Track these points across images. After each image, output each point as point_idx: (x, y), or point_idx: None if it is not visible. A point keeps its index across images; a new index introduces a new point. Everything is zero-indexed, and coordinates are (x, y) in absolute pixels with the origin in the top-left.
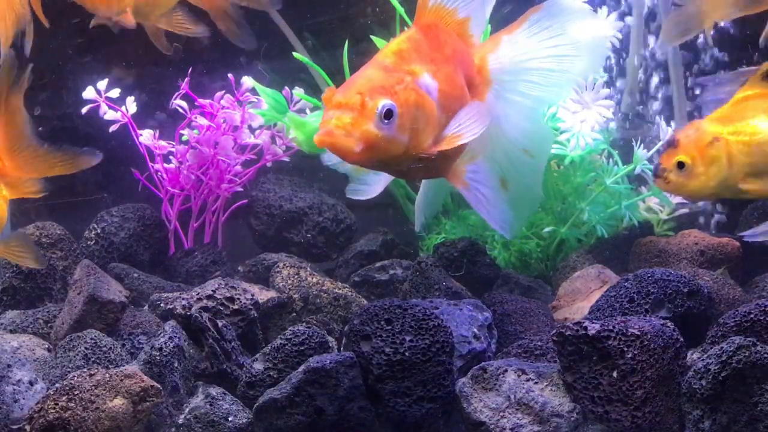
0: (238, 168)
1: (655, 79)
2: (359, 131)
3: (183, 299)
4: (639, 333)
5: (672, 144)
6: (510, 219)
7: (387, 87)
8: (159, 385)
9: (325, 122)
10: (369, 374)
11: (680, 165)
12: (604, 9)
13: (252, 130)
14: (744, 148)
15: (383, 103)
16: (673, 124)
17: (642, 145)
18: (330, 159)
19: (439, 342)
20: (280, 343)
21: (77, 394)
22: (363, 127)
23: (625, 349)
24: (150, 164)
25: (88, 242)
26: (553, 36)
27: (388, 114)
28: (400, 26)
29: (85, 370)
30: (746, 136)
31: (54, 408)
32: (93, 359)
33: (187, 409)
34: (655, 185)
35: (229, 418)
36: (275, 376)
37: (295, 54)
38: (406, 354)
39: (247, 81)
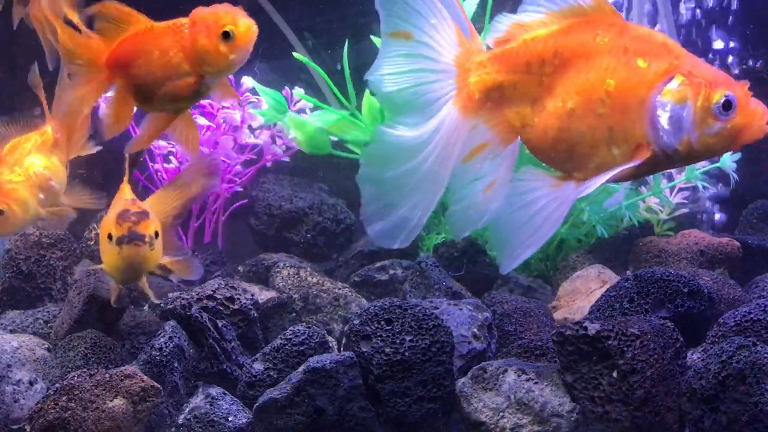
0: (238, 168)
1: None
2: None
3: (183, 299)
4: (639, 333)
5: None
6: None
7: None
8: (159, 385)
9: None
10: (369, 374)
11: None
12: None
13: (252, 130)
14: None
15: None
16: None
17: None
18: None
19: (439, 342)
20: (280, 343)
21: (77, 394)
22: None
23: (625, 349)
24: (150, 164)
25: (88, 242)
26: None
27: None
28: None
29: (85, 370)
30: None
31: (54, 408)
32: (93, 359)
33: (187, 409)
34: None
35: (229, 418)
36: (275, 376)
37: (295, 54)
38: (406, 354)
39: (247, 81)
